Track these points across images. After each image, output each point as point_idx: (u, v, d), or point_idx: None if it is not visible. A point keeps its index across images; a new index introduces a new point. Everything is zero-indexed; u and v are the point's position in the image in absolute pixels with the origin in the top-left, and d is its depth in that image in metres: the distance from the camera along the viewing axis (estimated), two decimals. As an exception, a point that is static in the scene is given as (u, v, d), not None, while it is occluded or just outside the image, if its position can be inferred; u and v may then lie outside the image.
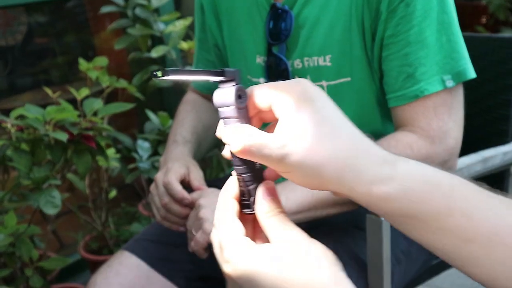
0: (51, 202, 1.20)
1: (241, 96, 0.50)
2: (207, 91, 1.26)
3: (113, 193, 1.85)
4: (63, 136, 1.20)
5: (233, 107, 0.50)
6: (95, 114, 1.35)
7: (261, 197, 0.50)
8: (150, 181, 1.80)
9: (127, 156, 1.82)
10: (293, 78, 1.01)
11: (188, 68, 1.98)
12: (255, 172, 0.52)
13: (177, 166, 1.02)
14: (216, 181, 1.08)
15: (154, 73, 0.48)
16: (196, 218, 0.93)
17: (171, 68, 0.51)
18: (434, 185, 0.48)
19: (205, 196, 0.95)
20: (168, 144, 1.15)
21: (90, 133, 1.29)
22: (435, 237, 0.49)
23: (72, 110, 1.30)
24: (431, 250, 0.51)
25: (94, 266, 1.63)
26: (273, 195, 0.50)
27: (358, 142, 0.48)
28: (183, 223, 0.99)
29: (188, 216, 0.98)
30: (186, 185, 1.02)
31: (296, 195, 0.92)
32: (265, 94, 0.49)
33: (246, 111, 0.51)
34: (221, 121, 0.51)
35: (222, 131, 0.50)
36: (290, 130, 0.46)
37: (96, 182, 1.78)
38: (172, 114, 1.55)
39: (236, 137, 0.48)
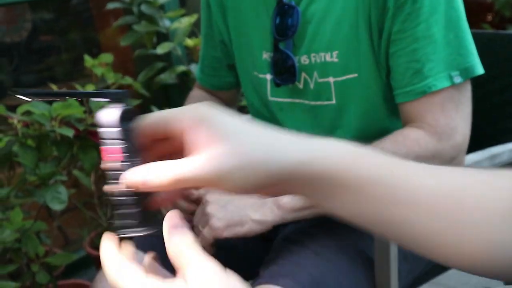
0: (57, 198, 1.20)
1: (129, 118, 0.49)
2: (213, 87, 1.25)
3: (118, 190, 1.85)
4: (69, 132, 1.21)
5: (118, 129, 0.48)
6: (101, 110, 1.36)
7: (170, 232, 0.45)
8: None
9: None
10: (300, 74, 1.01)
11: (194, 64, 1.99)
12: (140, 196, 0.49)
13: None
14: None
15: (10, 92, 0.48)
16: (203, 214, 0.93)
17: (35, 90, 0.50)
18: (359, 155, 0.49)
19: (211, 192, 0.95)
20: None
21: (96, 129, 1.29)
22: (368, 206, 0.49)
23: (78, 106, 1.30)
24: (368, 225, 0.51)
25: (100, 262, 1.64)
26: (182, 227, 0.46)
27: (273, 133, 0.48)
28: (189, 219, 0.99)
29: (194, 212, 0.98)
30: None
31: None
32: (164, 120, 0.49)
33: (133, 135, 0.49)
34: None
35: (132, 171, 0.47)
36: (209, 145, 0.46)
37: (102, 178, 1.78)
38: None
39: (159, 172, 0.46)
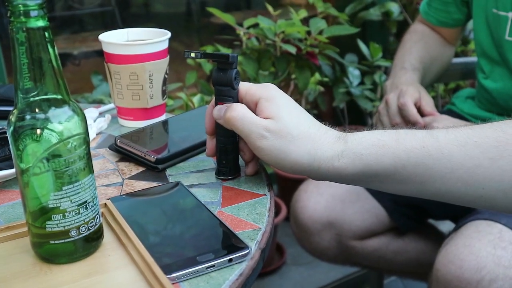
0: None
1: (236, 78, 0.61)
2: (438, 23, 1.23)
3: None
4: (292, 49, 1.26)
5: (229, 88, 0.62)
6: (319, 33, 1.39)
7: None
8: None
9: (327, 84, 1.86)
10: None
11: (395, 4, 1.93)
12: (236, 145, 0.65)
13: (411, 90, 1.02)
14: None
15: (187, 52, 0.64)
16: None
17: (190, 50, 0.64)
18: (381, 146, 0.57)
19: (439, 121, 0.95)
20: (396, 70, 1.15)
21: (316, 50, 1.33)
22: (401, 186, 0.58)
23: (302, 26, 1.35)
24: (406, 194, 0.60)
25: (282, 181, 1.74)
26: None
27: (317, 127, 0.59)
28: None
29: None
30: (417, 110, 1.02)
31: None
32: (252, 92, 0.62)
33: (237, 94, 0.62)
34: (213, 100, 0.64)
35: (217, 107, 0.63)
36: (271, 116, 0.59)
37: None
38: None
39: (231, 110, 0.60)
